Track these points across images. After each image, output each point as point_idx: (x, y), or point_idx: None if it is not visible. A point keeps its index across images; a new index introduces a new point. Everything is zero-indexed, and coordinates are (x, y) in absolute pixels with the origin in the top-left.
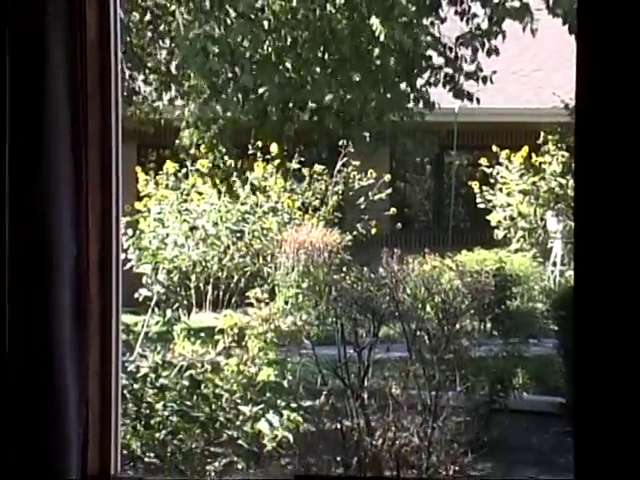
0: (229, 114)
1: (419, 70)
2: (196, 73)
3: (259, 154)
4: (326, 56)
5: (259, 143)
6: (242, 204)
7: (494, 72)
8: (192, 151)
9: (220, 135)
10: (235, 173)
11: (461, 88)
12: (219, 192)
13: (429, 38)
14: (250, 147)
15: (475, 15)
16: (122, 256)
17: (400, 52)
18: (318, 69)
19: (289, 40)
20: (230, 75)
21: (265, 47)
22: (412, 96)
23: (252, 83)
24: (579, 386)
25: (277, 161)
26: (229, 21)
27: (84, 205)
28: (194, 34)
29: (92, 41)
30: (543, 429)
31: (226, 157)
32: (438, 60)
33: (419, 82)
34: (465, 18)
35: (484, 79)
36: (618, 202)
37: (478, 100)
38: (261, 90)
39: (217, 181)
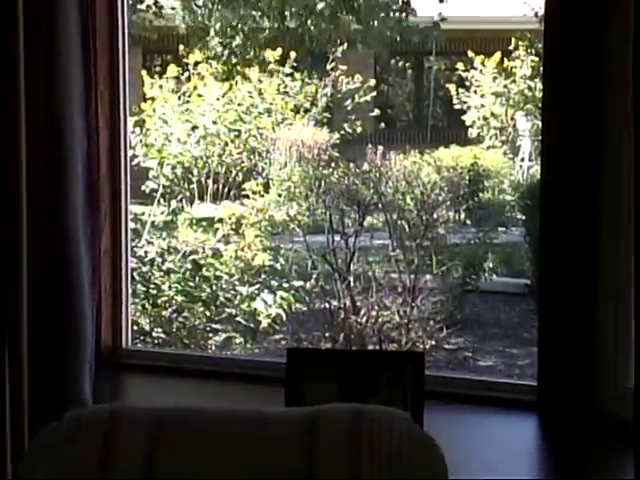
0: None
1: None
2: None
3: (253, 57)
4: None
5: (256, 49)
6: (239, 105)
7: None
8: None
9: (245, 40)
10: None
11: None
12: (229, 78)
13: None
14: (247, 52)
15: None
16: (130, 152)
17: None
18: None
19: None
20: None
21: None
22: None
23: None
24: (543, 269)
25: (271, 65)
26: None
27: (94, 102)
28: None
29: None
30: (510, 307)
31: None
32: None
33: None
34: None
35: None
36: (581, 103)
37: None
38: None
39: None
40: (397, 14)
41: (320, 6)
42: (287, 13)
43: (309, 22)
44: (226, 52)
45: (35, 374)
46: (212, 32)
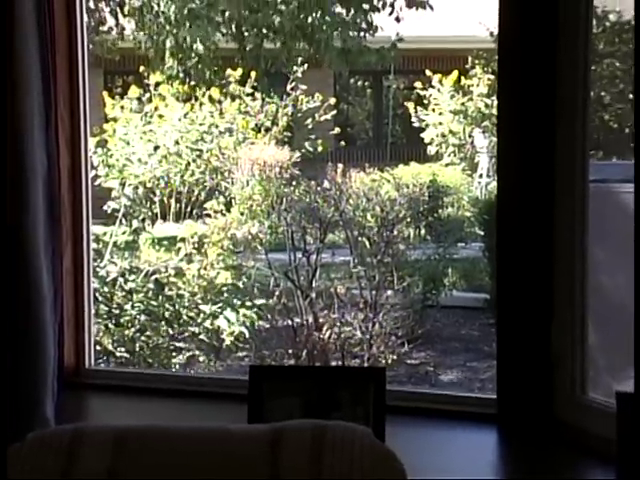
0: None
1: None
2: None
3: (215, 79)
4: None
5: (214, 69)
6: (200, 125)
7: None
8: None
9: (198, 63)
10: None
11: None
12: (190, 99)
13: None
14: (208, 74)
15: None
16: (92, 173)
17: None
18: None
19: None
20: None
21: None
22: (356, 21)
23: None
24: (500, 283)
25: (232, 85)
26: None
27: (54, 121)
28: None
29: None
30: (470, 322)
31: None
32: None
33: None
34: None
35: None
36: (535, 120)
37: (432, 7)
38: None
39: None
40: (355, 33)
41: (278, 26)
42: (246, 34)
43: (266, 42)
44: (183, 73)
45: None
46: (167, 53)
